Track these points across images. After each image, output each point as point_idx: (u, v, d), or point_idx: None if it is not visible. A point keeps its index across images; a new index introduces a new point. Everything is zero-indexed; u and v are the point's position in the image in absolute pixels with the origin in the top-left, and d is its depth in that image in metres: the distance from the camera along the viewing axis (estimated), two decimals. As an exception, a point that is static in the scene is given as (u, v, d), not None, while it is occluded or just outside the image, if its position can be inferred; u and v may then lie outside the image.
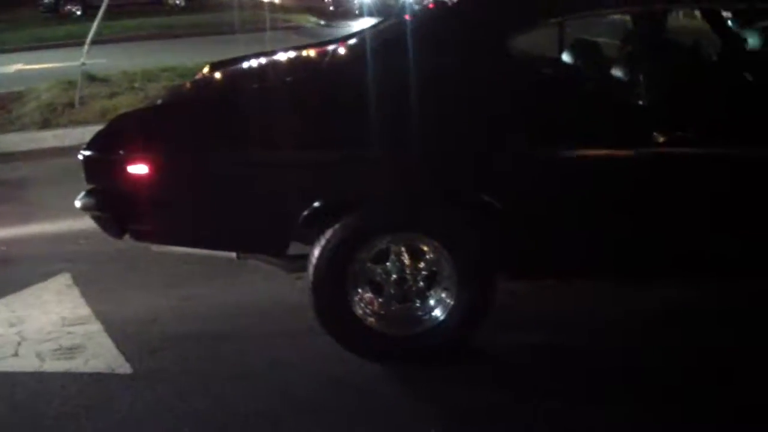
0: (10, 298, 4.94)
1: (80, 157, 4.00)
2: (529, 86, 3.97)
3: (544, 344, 4.23)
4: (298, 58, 5.03)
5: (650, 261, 4.05)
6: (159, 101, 4.85)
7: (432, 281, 3.98)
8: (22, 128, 9.96)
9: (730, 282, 4.57)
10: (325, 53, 4.71)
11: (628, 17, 4.33)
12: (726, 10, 5.20)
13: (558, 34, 5.32)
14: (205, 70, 5.16)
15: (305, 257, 3.97)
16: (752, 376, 3.84)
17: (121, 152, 3.87)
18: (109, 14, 13.29)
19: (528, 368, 4.00)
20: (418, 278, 3.97)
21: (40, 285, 5.13)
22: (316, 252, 3.85)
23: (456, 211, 3.89)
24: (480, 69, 3.91)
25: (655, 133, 3.75)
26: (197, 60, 11.48)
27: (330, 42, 5.13)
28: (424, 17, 4.80)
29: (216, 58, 5.63)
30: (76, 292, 5.01)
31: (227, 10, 23.63)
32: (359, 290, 3.96)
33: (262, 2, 24.08)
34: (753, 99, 4.11)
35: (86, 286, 5.08)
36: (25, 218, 6.57)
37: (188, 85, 5.14)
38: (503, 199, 3.81)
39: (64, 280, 5.20)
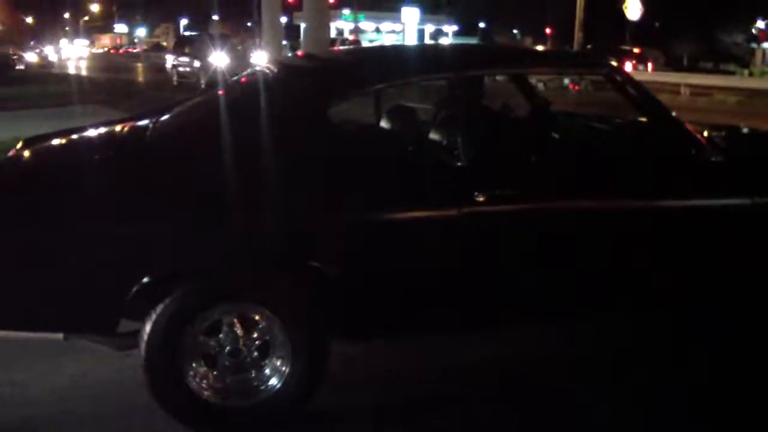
0: None
1: None
2: (348, 153, 4.09)
3: (380, 404, 4.31)
4: (117, 132, 4.98)
5: (478, 316, 4.24)
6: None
7: (266, 350, 3.99)
8: None
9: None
10: (146, 127, 4.68)
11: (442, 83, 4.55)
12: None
13: (374, 101, 5.53)
14: (19, 146, 5.02)
15: (135, 334, 3.90)
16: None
17: None
18: None
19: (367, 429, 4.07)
20: (252, 348, 3.98)
21: None
22: (148, 328, 3.79)
23: (284, 278, 3.93)
24: (300, 138, 4.01)
25: (475, 193, 3.95)
26: (7, 134, 11.09)
27: (145, 116, 5.09)
28: (240, 91, 4.89)
29: (28, 133, 5.47)
30: None
31: (37, 84, 22.99)
32: (193, 364, 3.91)
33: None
34: (561, 155, 4.43)
35: None
36: None
37: (2, 161, 4.98)
38: (330, 264, 3.90)
39: None
